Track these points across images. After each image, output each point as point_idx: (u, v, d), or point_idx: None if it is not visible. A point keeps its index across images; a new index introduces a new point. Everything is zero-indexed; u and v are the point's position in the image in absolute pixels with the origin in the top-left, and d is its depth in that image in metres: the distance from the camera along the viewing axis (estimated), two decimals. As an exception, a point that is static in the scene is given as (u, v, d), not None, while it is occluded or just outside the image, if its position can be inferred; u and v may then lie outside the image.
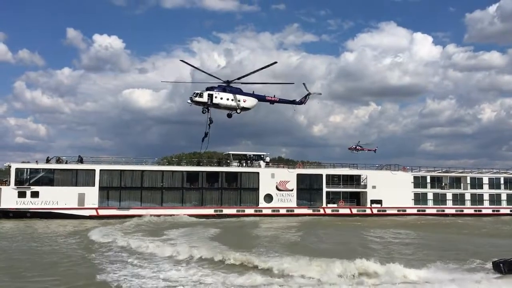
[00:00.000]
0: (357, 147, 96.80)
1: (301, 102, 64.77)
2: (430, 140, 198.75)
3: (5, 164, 64.42)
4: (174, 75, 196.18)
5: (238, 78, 58.83)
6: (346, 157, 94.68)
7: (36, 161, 60.53)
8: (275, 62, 54.70)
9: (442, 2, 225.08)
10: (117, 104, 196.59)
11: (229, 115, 60.44)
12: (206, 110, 57.85)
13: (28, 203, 56.97)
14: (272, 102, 62.73)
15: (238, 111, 59.43)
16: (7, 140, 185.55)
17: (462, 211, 72.41)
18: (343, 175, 69.27)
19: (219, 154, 70.01)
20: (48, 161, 60.55)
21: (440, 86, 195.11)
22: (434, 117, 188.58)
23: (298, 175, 66.66)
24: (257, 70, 57.53)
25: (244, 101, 59.57)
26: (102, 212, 58.82)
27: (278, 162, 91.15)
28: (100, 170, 60.06)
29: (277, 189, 65.05)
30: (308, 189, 66.98)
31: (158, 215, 58.49)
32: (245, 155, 67.65)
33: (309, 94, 64.98)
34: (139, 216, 57.41)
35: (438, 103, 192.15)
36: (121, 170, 61.06)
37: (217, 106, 58.19)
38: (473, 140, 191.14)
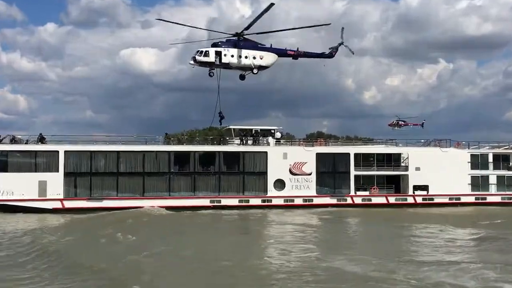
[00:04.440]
0: (399, 122, 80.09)
1: (330, 55, 54.24)
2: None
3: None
4: (185, 29, 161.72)
5: (246, 28, 48.87)
6: (404, 131, 78.07)
7: (-16, 142, 49.40)
8: (272, 4, 43.35)
9: None
10: (114, 67, 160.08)
11: (242, 77, 51.54)
12: (213, 73, 49.43)
13: (-24, 194, 46.22)
14: (295, 56, 52.83)
15: (255, 70, 50.42)
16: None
17: (536, 198, 55.92)
18: (377, 154, 54.83)
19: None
20: (0, 141, 49.33)
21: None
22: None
23: (318, 155, 52.75)
24: (258, 17, 47.80)
25: (261, 58, 50.26)
26: (69, 204, 47.56)
27: (317, 138, 76.99)
28: (65, 151, 48.56)
29: (291, 173, 51.70)
30: (331, 173, 52.90)
31: (139, 207, 46.89)
32: (249, 130, 54.47)
33: (341, 44, 54.19)
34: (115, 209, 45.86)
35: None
36: (91, 152, 49.36)
37: (228, 66, 49.47)
38: None
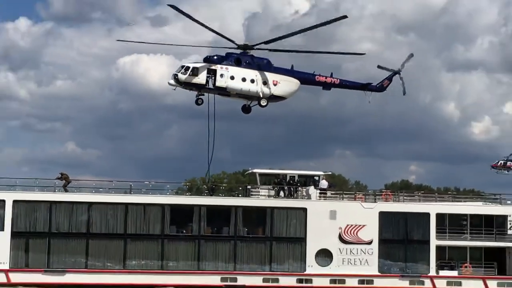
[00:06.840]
0: (508, 163, 58.11)
1: (381, 87, 37.73)
2: None
3: None
4: (214, 25, 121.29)
5: (266, 42, 34.83)
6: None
7: None
8: (345, 17, 33.26)
9: None
10: (109, 82, 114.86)
11: (246, 108, 37.40)
12: (203, 99, 35.39)
13: None
14: (327, 85, 37.29)
15: (263, 102, 35.67)
16: None
17: None
18: (471, 216, 38.20)
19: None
20: None
21: None
22: None
23: (383, 215, 37.07)
24: (310, 28, 34.83)
25: (275, 84, 35.68)
26: (16, 277, 33.42)
27: (405, 189, 59.28)
28: (14, 201, 34.21)
29: (342, 240, 36.39)
30: (401, 242, 37.50)
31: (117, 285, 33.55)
32: (282, 176, 38.99)
33: (396, 72, 37.23)
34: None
35: None
36: (51, 203, 35.03)
37: (224, 91, 35.32)
38: None
